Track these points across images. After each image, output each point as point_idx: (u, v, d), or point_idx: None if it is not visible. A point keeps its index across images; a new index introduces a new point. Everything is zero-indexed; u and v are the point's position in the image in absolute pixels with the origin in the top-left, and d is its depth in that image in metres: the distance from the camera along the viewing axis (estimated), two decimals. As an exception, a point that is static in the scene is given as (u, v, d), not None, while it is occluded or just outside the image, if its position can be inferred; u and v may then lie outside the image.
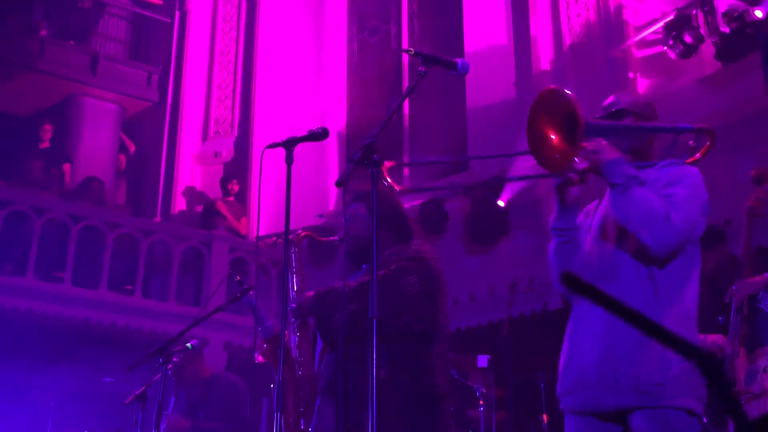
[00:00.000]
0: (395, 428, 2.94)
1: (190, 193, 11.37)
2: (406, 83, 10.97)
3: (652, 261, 2.59)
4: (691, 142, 2.76)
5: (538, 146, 2.53)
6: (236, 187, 10.78)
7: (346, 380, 3.08)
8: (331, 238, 3.61)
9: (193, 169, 11.54)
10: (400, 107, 2.59)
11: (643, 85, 8.28)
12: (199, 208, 11.03)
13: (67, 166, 10.59)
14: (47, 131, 10.76)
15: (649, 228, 2.53)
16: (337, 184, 2.43)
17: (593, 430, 2.64)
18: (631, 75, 8.34)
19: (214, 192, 10.93)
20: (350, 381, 3.06)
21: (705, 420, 4.20)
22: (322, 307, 3.28)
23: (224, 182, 10.81)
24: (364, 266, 3.46)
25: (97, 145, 11.31)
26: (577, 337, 2.69)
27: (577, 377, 2.64)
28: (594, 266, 2.70)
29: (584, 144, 2.61)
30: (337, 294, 3.23)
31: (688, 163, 2.73)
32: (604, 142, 2.63)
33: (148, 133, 12.13)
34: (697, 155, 2.77)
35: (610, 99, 2.87)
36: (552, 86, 2.58)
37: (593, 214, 2.85)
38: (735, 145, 7.05)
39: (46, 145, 10.74)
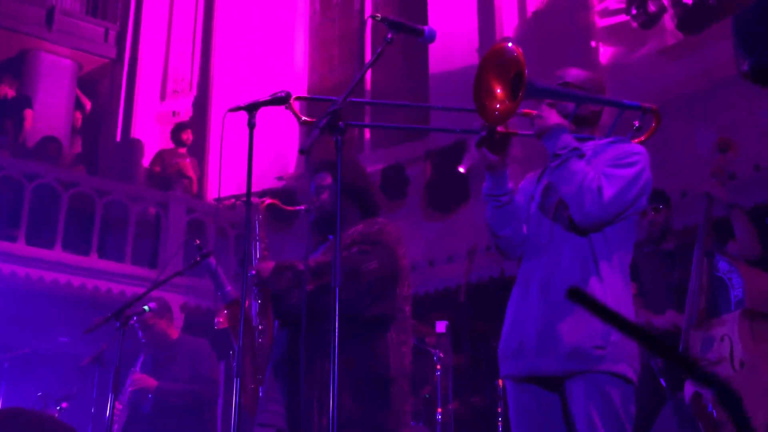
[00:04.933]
0: (344, 408, 2.92)
1: (146, 152, 11.19)
2: (368, 46, 10.88)
3: (588, 232, 2.63)
4: (636, 122, 2.79)
5: (482, 97, 2.56)
6: (191, 137, 10.52)
7: (297, 359, 3.08)
8: (297, 207, 3.57)
9: (150, 128, 11.37)
10: (365, 74, 2.56)
11: (605, 54, 8.31)
12: (158, 168, 10.87)
13: (28, 112, 10.25)
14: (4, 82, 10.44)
15: (578, 200, 2.56)
16: (302, 151, 2.40)
17: (533, 397, 2.67)
18: (593, 44, 8.35)
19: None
20: (301, 359, 3.05)
21: (664, 384, 4.27)
22: (278, 282, 3.24)
23: (176, 132, 10.42)
24: (330, 237, 3.43)
25: (53, 102, 11.07)
26: (521, 303, 2.71)
27: (519, 343, 2.66)
28: (534, 234, 2.74)
29: (529, 111, 2.68)
30: (296, 272, 3.19)
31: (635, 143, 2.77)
32: (549, 109, 2.67)
33: (105, 90, 11.91)
34: (642, 137, 2.80)
35: (557, 73, 2.89)
36: (503, 43, 2.59)
37: (537, 181, 2.87)
38: (694, 117, 7.11)
39: (12, 93, 10.39)
